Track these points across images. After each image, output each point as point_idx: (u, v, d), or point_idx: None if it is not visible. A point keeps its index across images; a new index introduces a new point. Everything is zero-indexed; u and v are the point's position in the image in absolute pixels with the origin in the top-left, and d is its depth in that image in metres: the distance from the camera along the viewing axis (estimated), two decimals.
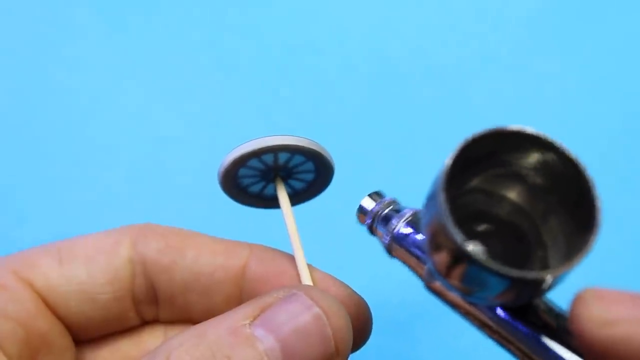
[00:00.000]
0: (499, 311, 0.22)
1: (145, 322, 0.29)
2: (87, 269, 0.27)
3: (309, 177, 0.28)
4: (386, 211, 0.26)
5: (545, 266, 0.21)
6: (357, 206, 0.26)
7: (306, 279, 0.26)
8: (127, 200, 0.47)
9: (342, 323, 0.23)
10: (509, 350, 0.22)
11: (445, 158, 0.19)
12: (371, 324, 0.27)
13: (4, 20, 0.53)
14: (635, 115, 0.48)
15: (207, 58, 0.51)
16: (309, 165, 0.27)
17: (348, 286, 0.27)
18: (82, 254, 0.27)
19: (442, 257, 0.20)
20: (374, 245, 0.43)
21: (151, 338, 0.29)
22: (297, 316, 0.22)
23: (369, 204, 0.26)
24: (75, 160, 0.48)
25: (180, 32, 0.52)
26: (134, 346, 0.29)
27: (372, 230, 0.26)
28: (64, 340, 0.27)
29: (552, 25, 0.51)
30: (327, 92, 0.50)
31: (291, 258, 0.28)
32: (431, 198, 0.20)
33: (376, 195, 0.26)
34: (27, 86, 0.51)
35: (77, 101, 0.50)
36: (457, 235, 0.19)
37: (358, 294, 0.27)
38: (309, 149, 0.26)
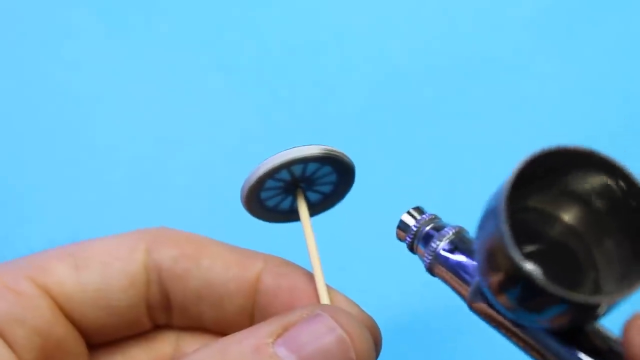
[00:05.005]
0: (546, 334, 0.21)
1: (157, 327, 0.29)
2: (102, 275, 0.26)
3: (327, 189, 0.28)
4: (427, 229, 0.25)
5: (597, 289, 0.21)
6: (398, 221, 0.25)
7: (325, 299, 0.26)
8: (127, 200, 0.47)
9: (365, 347, 0.22)
10: None
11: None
12: (380, 346, 0.27)
13: (3, 20, 0.52)
14: (636, 115, 0.48)
15: (207, 58, 0.51)
16: (332, 177, 0.27)
17: (360, 308, 0.27)
18: (97, 259, 0.27)
19: (496, 276, 0.19)
20: (374, 252, 0.43)
21: (164, 344, 0.29)
22: (321, 337, 0.22)
23: (409, 220, 0.25)
24: (75, 160, 0.48)
25: (180, 32, 0.52)
26: (146, 351, 0.29)
27: (412, 248, 0.25)
28: (78, 346, 0.27)
29: (553, 26, 0.51)
30: (328, 92, 0.50)
31: (305, 273, 0.27)
32: (489, 215, 0.19)
33: (416, 211, 0.26)
34: (26, 86, 0.50)
35: (77, 101, 0.50)
36: (516, 255, 0.18)
37: (369, 315, 0.27)
38: (344, 159, 0.26)
